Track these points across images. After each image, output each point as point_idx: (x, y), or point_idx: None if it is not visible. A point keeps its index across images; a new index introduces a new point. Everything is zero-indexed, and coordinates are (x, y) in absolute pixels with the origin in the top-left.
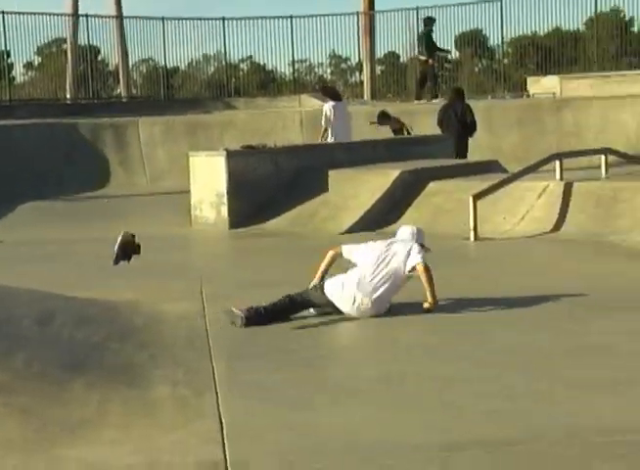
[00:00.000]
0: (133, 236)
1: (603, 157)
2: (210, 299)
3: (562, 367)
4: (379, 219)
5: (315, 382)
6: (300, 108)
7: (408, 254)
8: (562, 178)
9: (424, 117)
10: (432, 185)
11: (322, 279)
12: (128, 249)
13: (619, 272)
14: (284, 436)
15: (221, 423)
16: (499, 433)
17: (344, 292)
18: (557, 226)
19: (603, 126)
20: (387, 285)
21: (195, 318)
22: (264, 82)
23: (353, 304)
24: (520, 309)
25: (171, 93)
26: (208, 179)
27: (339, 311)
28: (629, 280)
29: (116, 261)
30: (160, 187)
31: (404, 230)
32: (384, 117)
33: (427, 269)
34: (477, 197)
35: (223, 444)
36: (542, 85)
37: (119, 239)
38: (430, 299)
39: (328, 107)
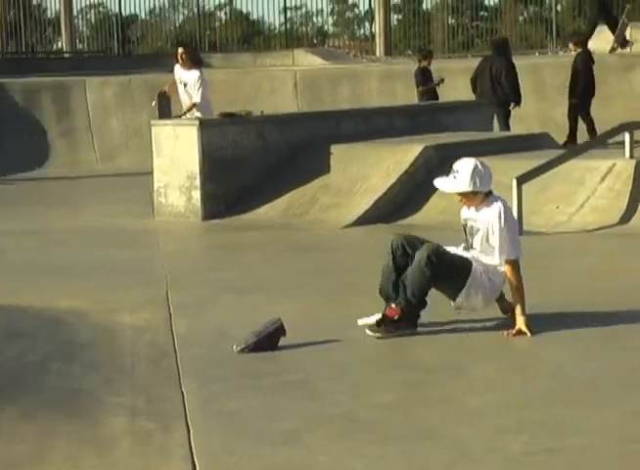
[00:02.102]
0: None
1: None
2: (179, 308)
3: (626, 403)
4: (395, 208)
5: (308, 412)
6: (294, 67)
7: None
8: (632, 156)
9: (456, 78)
10: None
11: None
12: (276, 337)
13: None
14: None
15: (194, 466)
16: None
17: None
18: (625, 217)
19: None
20: None
21: (159, 332)
22: (248, 35)
23: None
24: (573, 328)
25: (128, 48)
26: (176, 157)
27: None
28: None
29: (246, 350)
30: (114, 167)
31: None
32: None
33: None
34: (521, 180)
35: None
36: (606, 38)
37: (270, 326)
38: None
39: (199, 75)
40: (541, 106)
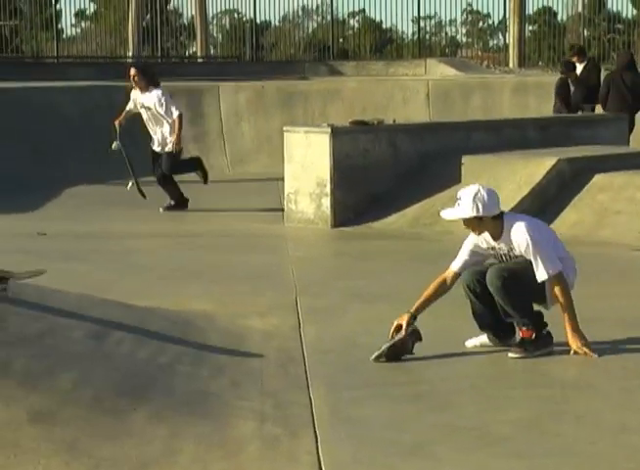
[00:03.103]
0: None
1: None
2: (308, 314)
3: None
4: None
5: (438, 423)
6: (427, 76)
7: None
8: None
9: None
10: (597, 179)
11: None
12: (411, 342)
13: None
14: None
15: None
16: None
17: None
18: None
19: None
20: None
21: (288, 338)
22: (380, 43)
23: None
24: None
25: (261, 54)
26: (307, 163)
27: None
28: None
29: (382, 359)
30: (245, 172)
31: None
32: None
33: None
34: None
35: None
36: None
37: (398, 337)
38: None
39: (161, 92)
40: None
